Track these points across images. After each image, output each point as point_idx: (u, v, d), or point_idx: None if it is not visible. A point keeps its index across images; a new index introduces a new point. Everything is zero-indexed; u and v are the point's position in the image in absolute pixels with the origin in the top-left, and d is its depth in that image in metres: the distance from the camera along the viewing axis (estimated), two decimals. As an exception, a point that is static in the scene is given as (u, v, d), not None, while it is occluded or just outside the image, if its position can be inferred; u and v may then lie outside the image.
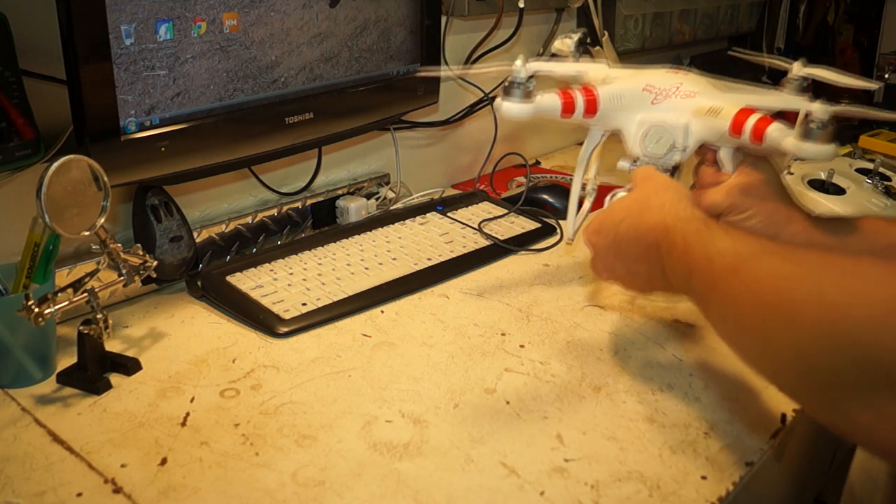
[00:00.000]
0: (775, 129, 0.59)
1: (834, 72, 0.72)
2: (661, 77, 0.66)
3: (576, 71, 0.70)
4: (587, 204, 0.73)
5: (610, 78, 0.68)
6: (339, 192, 1.00)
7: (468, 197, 1.03)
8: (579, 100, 0.64)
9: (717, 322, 0.49)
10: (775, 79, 1.60)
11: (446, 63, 1.10)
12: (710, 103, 0.64)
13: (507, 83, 0.61)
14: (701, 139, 0.66)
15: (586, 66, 0.70)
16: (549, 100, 0.63)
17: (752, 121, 0.61)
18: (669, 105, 0.65)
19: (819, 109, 0.56)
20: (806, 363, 0.41)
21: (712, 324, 0.50)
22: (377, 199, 1.01)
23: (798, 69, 0.73)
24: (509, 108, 0.61)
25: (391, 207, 1.01)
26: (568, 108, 0.64)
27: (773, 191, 0.64)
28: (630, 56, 1.41)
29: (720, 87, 0.67)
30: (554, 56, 0.74)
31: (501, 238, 0.92)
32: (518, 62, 0.60)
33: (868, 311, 0.38)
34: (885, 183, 0.99)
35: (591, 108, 0.64)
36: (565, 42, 0.75)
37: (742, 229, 0.55)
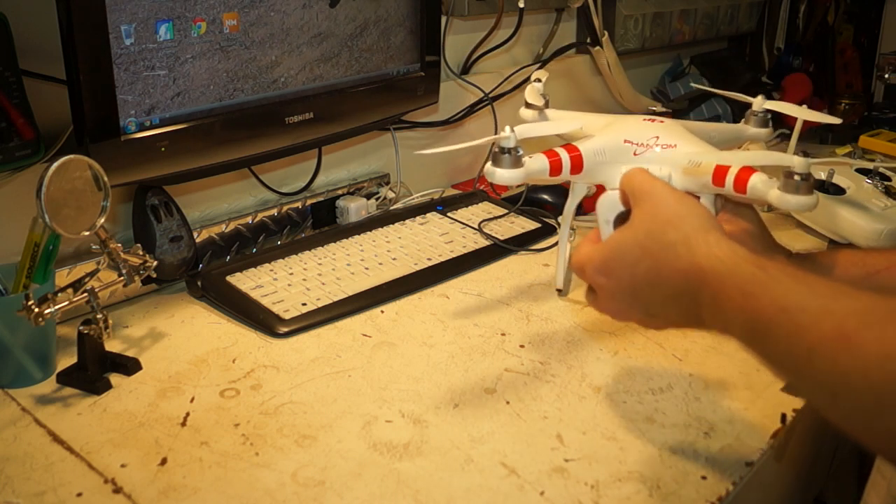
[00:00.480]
0: (758, 181, 0.60)
1: (794, 107, 0.75)
2: (637, 129, 0.68)
3: (559, 132, 0.73)
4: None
5: (586, 127, 0.71)
6: (339, 192, 1.00)
7: (468, 197, 1.04)
8: (565, 158, 0.66)
9: (822, 395, 0.42)
10: (775, 78, 1.60)
11: (446, 63, 1.11)
12: (690, 155, 0.66)
13: (496, 151, 0.63)
14: (684, 188, 0.67)
15: (564, 123, 0.73)
16: (537, 163, 0.65)
17: (733, 172, 0.62)
18: (651, 157, 0.67)
19: (800, 163, 0.58)
20: None
21: (809, 395, 0.44)
22: (377, 199, 1.01)
23: (759, 104, 0.76)
24: (501, 176, 0.63)
25: (391, 207, 1.01)
26: (555, 168, 0.66)
27: (755, 238, 0.63)
28: (630, 56, 1.41)
29: (699, 131, 0.69)
30: (527, 106, 0.78)
31: (501, 238, 0.92)
32: (506, 131, 0.63)
33: None
34: (885, 183, 0.99)
35: (577, 165, 0.67)
36: (535, 87, 0.79)
37: (812, 273, 0.46)
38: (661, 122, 0.70)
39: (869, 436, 0.39)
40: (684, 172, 0.65)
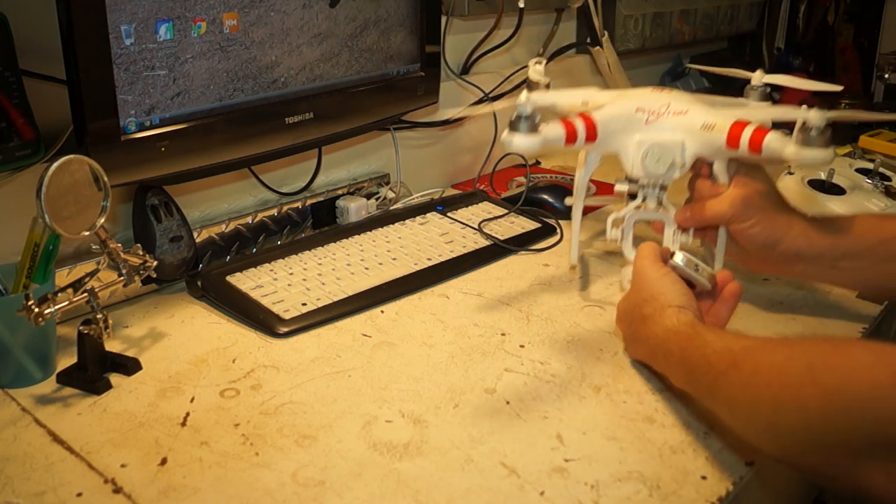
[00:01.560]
0: (773, 139, 0.60)
1: (794, 79, 0.75)
2: (648, 98, 0.69)
3: (572, 100, 0.73)
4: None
5: (599, 100, 0.71)
6: (339, 192, 1.00)
7: (468, 197, 1.03)
8: (580, 126, 0.67)
9: (724, 411, 0.53)
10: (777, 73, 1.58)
11: (446, 63, 1.11)
12: (703, 119, 0.66)
13: (512, 118, 0.63)
14: (697, 154, 0.68)
15: (576, 93, 0.74)
16: (553, 130, 0.65)
17: (748, 132, 0.62)
18: (663, 124, 0.67)
19: (815, 117, 0.57)
20: (815, 436, 0.45)
21: (719, 413, 0.54)
22: (377, 199, 1.01)
23: (758, 78, 0.76)
24: (519, 142, 0.63)
25: (391, 207, 1.01)
26: (571, 136, 0.66)
27: (772, 200, 0.68)
28: (630, 56, 1.41)
29: (706, 102, 0.70)
30: (528, 84, 0.78)
31: (501, 238, 0.92)
32: (522, 96, 0.62)
33: (857, 391, 0.42)
34: (885, 183, 0.99)
35: (592, 133, 0.67)
36: (537, 69, 0.79)
37: (728, 331, 0.62)
38: (670, 91, 0.70)
39: (760, 439, 0.49)
40: (698, 130, 0.66)
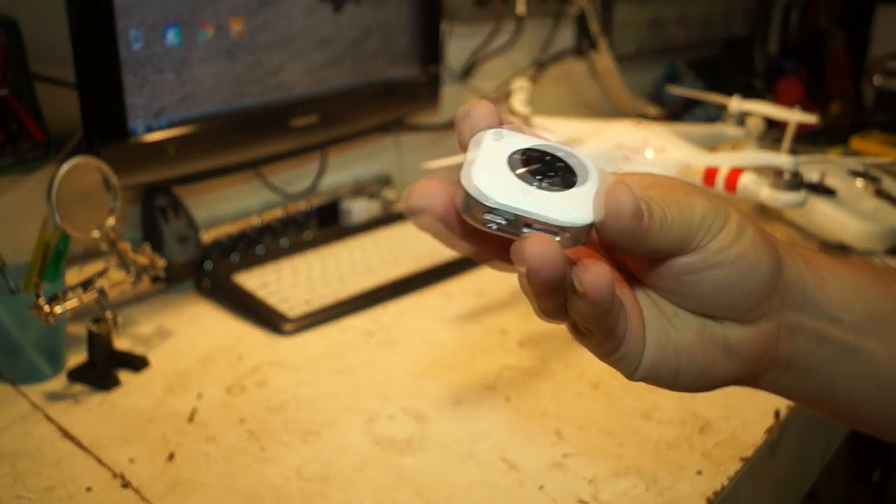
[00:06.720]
0: (748, 181, 0.63)
1: (770, 106, 0.77)
2: (627, 134, 0.70)
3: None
4: None
5: (577, 134, 0.73)
6: (343, 193, 1.01)
7: (468, 199, 1.05)
8: None
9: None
10: (768, 82, 1.61)
11: (448, 67, 1.12)
12: (680, 158, 0.68)
13: None
14: None
15: (557, 133, 0.75)
16: None
17: (723, 173, 0.64)
18: (643, 161, 0.68)
19: (789, 161, 0.60)
20: None
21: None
22: (380, 200, 1.02)
23: (736, 105, 0.78)
24: None
25: (393, 208, 1.03)
26: None
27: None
28: (626, 60, 1.42)
29: (683, 135, 0.72)
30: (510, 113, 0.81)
31: (501, 239, 0.93)
32: None
33: None
34: (876, 184, 1.01)
35: None
36: (519, 98, 0.81)
37: None
38: (649, 125, 0.72)
39: None
40: (675, 169, 0.67)
